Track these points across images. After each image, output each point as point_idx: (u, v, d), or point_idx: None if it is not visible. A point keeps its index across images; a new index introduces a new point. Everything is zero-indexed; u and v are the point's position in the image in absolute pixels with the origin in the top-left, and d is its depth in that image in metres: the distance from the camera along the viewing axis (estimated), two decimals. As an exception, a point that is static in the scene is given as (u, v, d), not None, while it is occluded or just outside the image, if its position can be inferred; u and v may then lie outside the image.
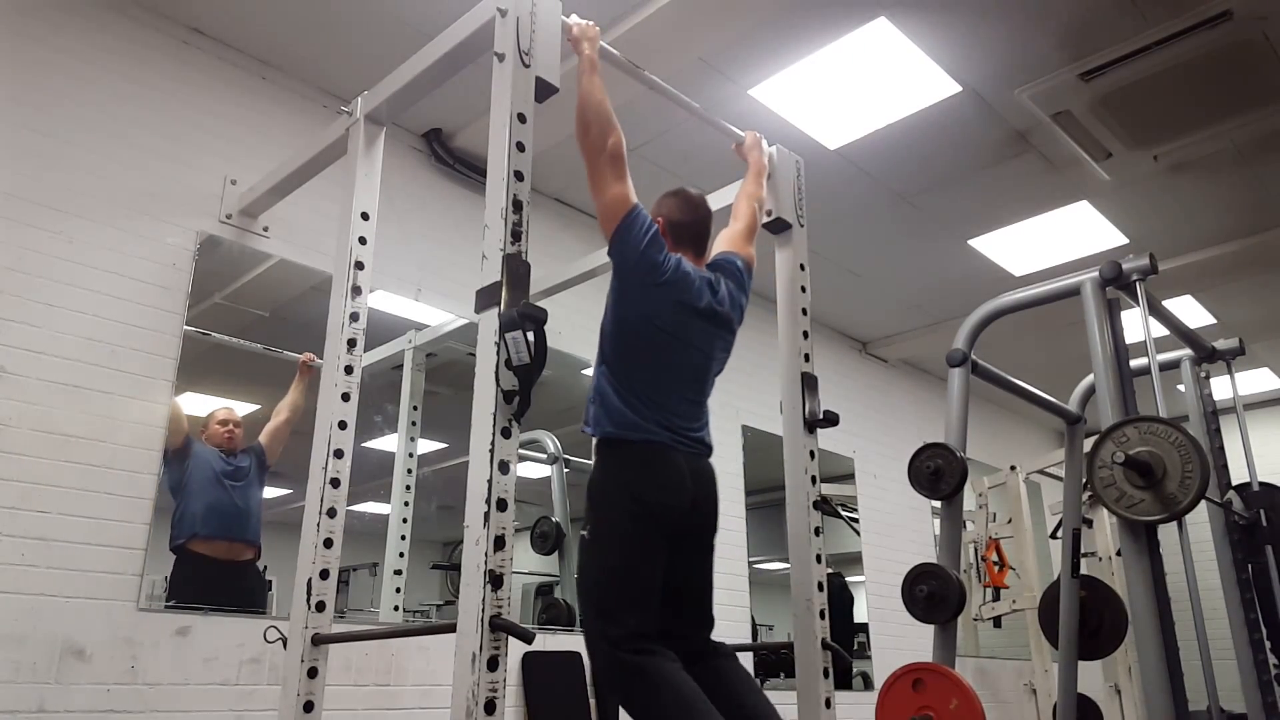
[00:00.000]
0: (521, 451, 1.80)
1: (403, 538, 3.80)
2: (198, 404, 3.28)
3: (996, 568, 6.15)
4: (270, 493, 3.41)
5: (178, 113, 3.34)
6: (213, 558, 3.16)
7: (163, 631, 2.86)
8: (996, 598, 6.09)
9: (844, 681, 5.26)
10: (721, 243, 2.53)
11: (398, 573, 3.76)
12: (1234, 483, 3.63)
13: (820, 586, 2.47)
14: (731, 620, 4.71)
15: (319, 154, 2.95)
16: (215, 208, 3.35)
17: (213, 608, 2.99)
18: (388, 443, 3.97)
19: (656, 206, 2.37)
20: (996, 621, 6.09)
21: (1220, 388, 3.91)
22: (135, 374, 3.00)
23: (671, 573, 2.13)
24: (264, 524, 3.34)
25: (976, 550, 6.26)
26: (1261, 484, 3.60)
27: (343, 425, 2.45)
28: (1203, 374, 3.75)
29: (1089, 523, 5.80)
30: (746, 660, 4.86)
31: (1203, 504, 2.50)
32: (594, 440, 2.21)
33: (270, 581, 3.30)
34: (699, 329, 2.24)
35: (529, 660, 3.78)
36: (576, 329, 4.25)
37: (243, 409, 3.41)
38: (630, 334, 2.18)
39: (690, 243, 2.35)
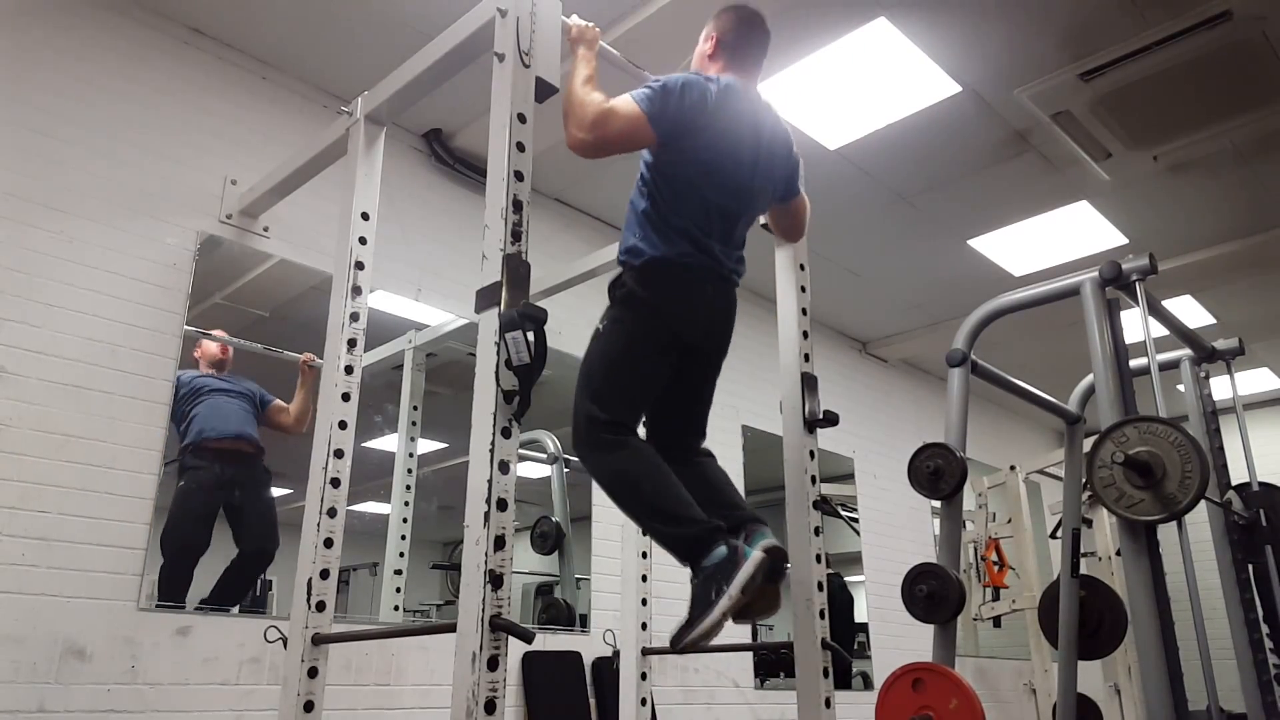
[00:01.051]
0: (521, 451, 1.80)
1: (403, 537, 3.80)
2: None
3: (996, 568, 6.16)
4: (271, 481, 3.42)
5: (178, 113, 3.34)
6: (223, 449, 3.27)
7: (163, 631, 2.86)
8: (996, 597, 6.09)
9: (844, 681, 5.26)
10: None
11: (398, 572, 3.76)
12: (1233, 483, 3.63)
13: (820, 586, 2.47)
14: (731, 620, 4.71)
15: (319, 154, 2.95)
16: (215, 208, 3.35)
17: (212, 608, 2.99)
18: (388, 443, 3.97)
19: (712, 23, 2.38)
20: (996, 621, 6.09)
21: (1220, 388, 3.90)
22: (135, 374, 3.00)
23: (676, 384, 2.22)
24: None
25: (976, 550, 6.26)
26: (1261, 484, 3.60)
27: (343, 425, 2.45)
28: (1202, 374, 3.75)
29: (1088, 523, 5.80)
30: (746, 660, 4.87)
31: (1202, 504, 2.50)
32: (630, 266, 2.20)
33: (271, 581, 3.31)
34: (744, 151, 2.23)
35: (529, 660, 3.78)
36: (576, 329, 4.23)
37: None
38: (672, 155, 2.17)
39: (743, 61, 2.34)
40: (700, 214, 2.18)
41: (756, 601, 1.97)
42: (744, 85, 2.30)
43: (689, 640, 1.92)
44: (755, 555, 1.93)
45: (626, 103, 2.10)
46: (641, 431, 2.23)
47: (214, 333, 3.33)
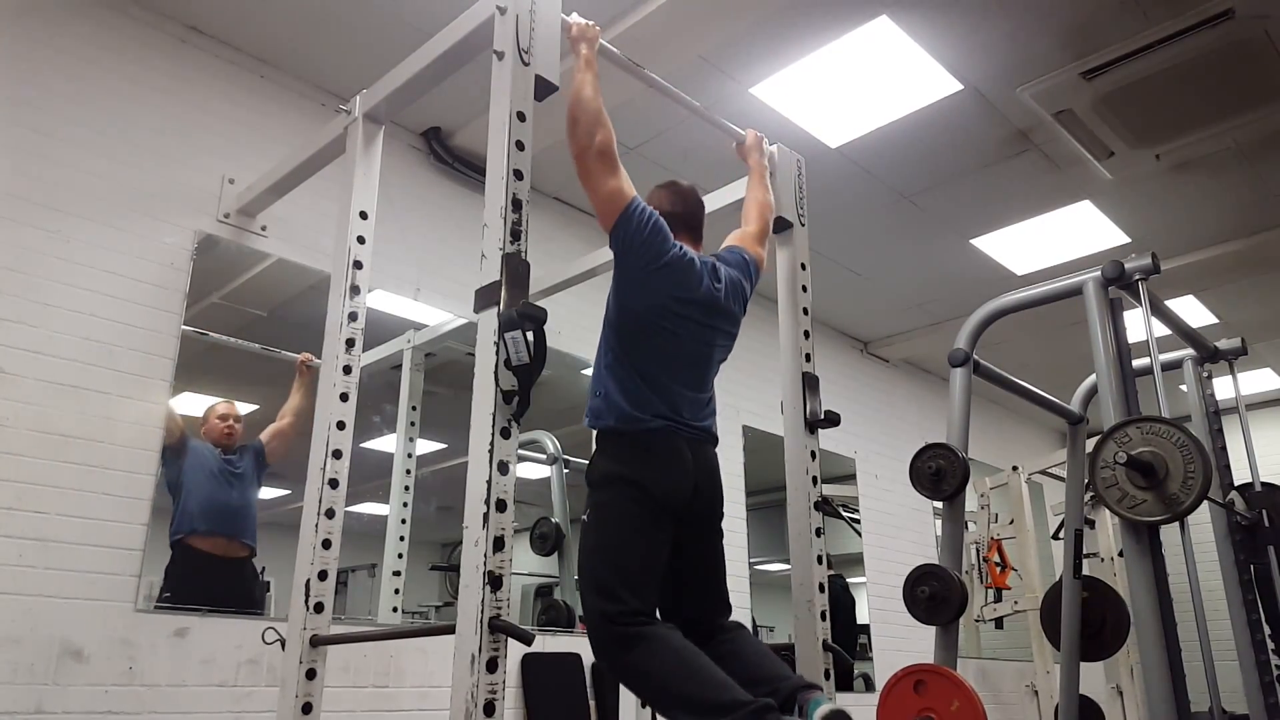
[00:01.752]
0: (521, 452, 1.80)
1: (401, 539, 3.79)
2: (196, 404, 3.27)
3: (998, 569, 6.14)
4: (268, 493, 3.40)
5: (176, 112, 3.33)
6: (209, 553, 3.15)
7: (160, 633, 2.85)
8: (998, 599, 6.08)
9: (845, 683, 5.24)
10: (732, 239, 2.53)
11: (396, 574, 3.75)
12: (1236, 483, 3.62)
13: (821, 588, 2.46)
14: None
15: (317, 153, 2.94)
16: (213, 207, 3.34)
17: (210, 608, 2.98)
18: (386, 443, 3.96)
19: (647, 200, 2.36)
20: (998, 622, 6.08)
21: (1222, 388, 3.89)
22: (133, 374, 2.99)
23: (679, 559, 2.14)
24: (263, 525, 3.33)
25: (978, 551, 6.24)
26: (1264, 484, 3.59)
27: (341, 425, 2.44)
28: (1205, 374, 3.74)
29: (1091, 523, 5.79)
30: (747, 661, 4.85)
31: (1205, 504, 2.49)
32: (596, 431, 2.20)
33: (268, 582, 3.29)
34: (701, 317, 2.23)
35: (528, 661, 3.77)
36: (576, 329, 4.23)
37: (242, 409, 3.40)
38: (632, 321, 2.17)
39: (686, 233, 2.34)
40: (667, 366, 2.17)
41: None
42: (695, 251, 2.31)
43: None
44: None
45: (626, 178, 2.14)
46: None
47: (218, 406, 3.26)
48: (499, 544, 1.67)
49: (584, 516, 2.13)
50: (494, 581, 1.65)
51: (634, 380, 2.14)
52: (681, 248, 2.20)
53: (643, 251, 2.12)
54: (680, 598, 2.17)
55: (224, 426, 3.27)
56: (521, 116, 1.94)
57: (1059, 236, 5.09)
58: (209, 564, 3.14)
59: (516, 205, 1.87)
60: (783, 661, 2.11)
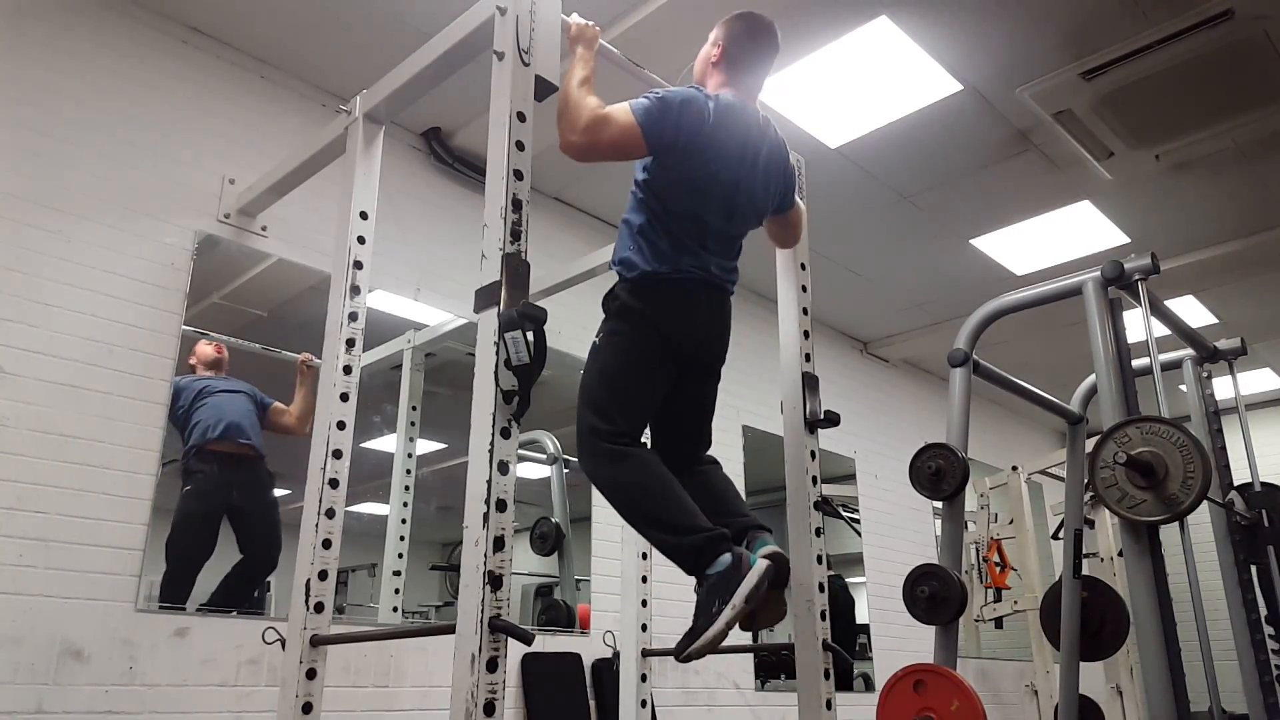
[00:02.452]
0: (521, 452, 1.80)
1: (402, 538, 3.79)
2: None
3: (998, 568, 6.15)
4: (274, 485, 3.41)
5: (176, 112, 3.33)
6: (227, 452, 3.27)
7: (161, 632, 2.85)
8: (998, 599, 6.08)
9: (845, 683, 5.24)
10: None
11: (396, 574, 3.75)
12: (1236, 483, 3.62)
13: (821, 587, 2.46)
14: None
15: (317, 153, 2.94)
16: (213, 207, 3.34)
17: (211, 609, 2.98)
18: (387, 443, 3.96)
19: (719, 30, 2.36)
20: (998, 622, 6.08)
21: (1222, 388, 3.89)
22: (133, 374, 2.99)
23: (676, 395, 2.22)
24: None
25: (978, 551, 6.25)
26: (1263, 484, 3.59)
27: (341, 425, 2.44)
28: (1204, 374, 3.74)
29: (1091, 523, 5.79)
30: (747, 662, 4.85)
31: (1204, 504, 2.49)
32: (625, 278, 2.20)
33: (269, 582, 3.29)
34: (741, 168, 2.22)
35: (528, 661, 3.77)
36: (576, 329, 4.23)
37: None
38: (667, 173, 2.17)
39: (746, 74, 2.32)
40: (695, 230, 2.18)
41: (761, 610, 1.95)
42: (743, 102, 2.29)
43: (693, 650, 1.90)
44: (759, 563, 1.91)
45: (622, 111, 2.09)
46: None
47: (210, 336, 3.31)
48: (499, 544, 1.67)
49: (595, 340, 2.18)
50: (494, 581, 1.65)
51: (663, 225, 2.16)
52: (718, 99, 2.18)
53: (675, 144, 2.12)
54: (669, 431, 2.28)
55: (213, 349, 3.31)
56: (521, 117, 1.94)
57: (1059, 236, 5.09)
58: (228, 461, 3.29)
59: (516, 205, 1.87)
60: (743, 501, 2.27)
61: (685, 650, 1.91)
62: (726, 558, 1.91)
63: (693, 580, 2.00)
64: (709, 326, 2.24)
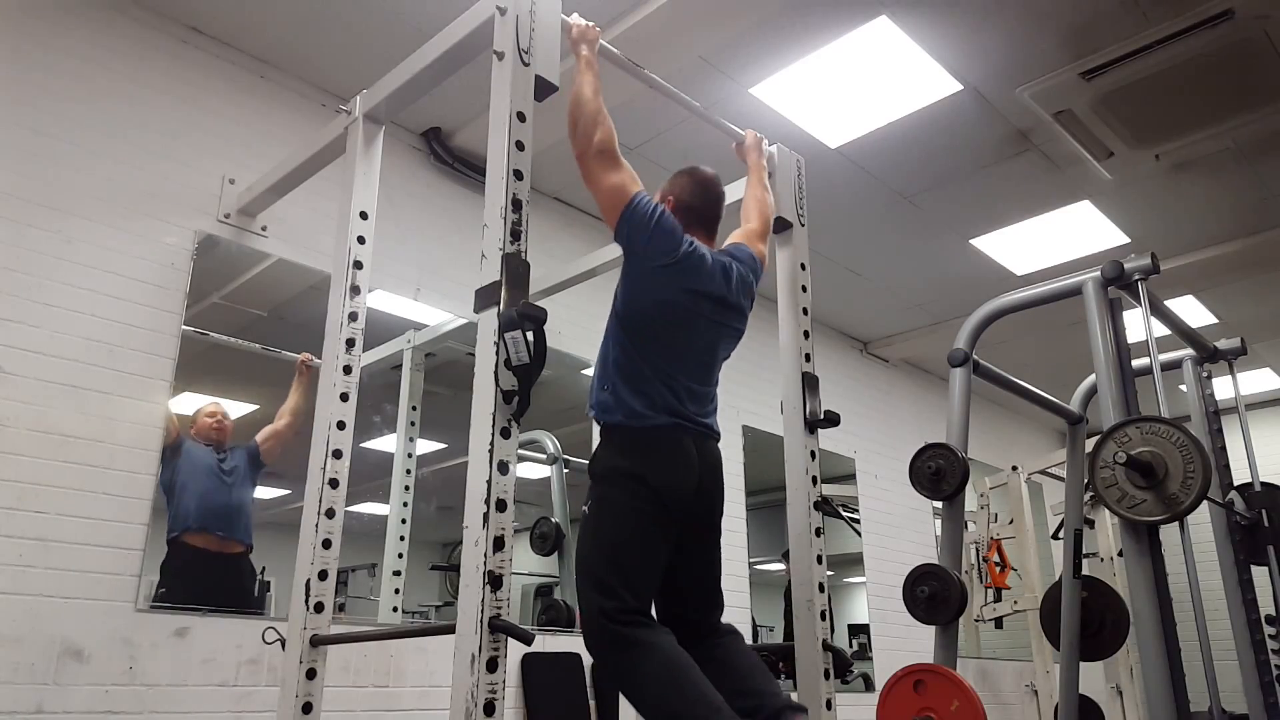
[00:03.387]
0: (521, 452, 1.80)
1: (402, 538, 3.79)
2: (196, 404, 3.26)
3: (998, 568, 6.14)
4: (268, 493, 3.40)
5: (176, 112, 3.33)
6: (204, 549, 3.14)
7: (161, 632, 2.85)
8: (998, 598, 6.08)
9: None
10: (735, 236, 2.52)
11: (396, 573, 3.75)
12: (1236, 483, 3.62)
13: (821, 587, 2.46)
14: (732, 621, 4.70)
15: (317, 153, 2.94)
16: (214, 207, 3.34)
17: (208, 607, 2.98)
18: (387, 443, 3.96)
19: (668, 186, 2.35)
20: (998, 622, 6.08)
21: (1222, 388, 3.90)
22: (133, 374, 2.99)
23: (678, 556, 2.12)
24: (262, 524, 3.32)
25: (978, 551, 6.25)
26: (1263, 484, 3.59)
27: (341, 425, 2.44)
28: (1204, 374, 3.74)
29: (1091, 523, 5.79)
30: (747, 661, 4.85)
31: (1204, 504, 2.49)
32: (601, 425, 2.19)
33: (269, 582, 3.29)
34: (711, 313, 2.22)
35: (528, 661, 3.77)
36: (576, 329, 4.24)
37: (241, 409, 3.41)
38: (640, 316, 2.16)
39: (701, 224, 2.32)
40: (672, 362, 2.16)
41: None
42: (707, 245, 2.29)
43: None
44: None
45: (631, 177, 2.13)
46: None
47: (206, 406, 3.25)
48: (499, 544, 1.67)
49: (584, 509, 2.11)
50: (494, 581, 1.65)
51: (641, 375, 2.12)
52: (692, 243, 2.18)
53: (650, 248, 2.11)
54: (676, 596, 2.17)
55: (212, 423, 3.27)
56: (521, 117, 1.94)
57: (1059, 236, 5.09)
58: (204, 560, 3.13)
59: (516, 205, 1.87)
60: (771, 676, 2.10)
61: None
62: None
63: None
64: (701, 474, 2.15)
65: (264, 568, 3.27)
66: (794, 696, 2.44)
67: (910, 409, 6.89)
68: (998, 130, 4.14)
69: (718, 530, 2.26)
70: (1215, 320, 6.13)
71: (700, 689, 1.86)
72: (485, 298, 1.81)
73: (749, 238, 2.50)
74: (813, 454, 2.60)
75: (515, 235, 1.85)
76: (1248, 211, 4.89)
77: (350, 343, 2.51)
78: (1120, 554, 5.42)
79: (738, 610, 4.85)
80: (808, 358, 2.68)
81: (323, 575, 2.32)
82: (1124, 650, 4.71)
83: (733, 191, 2.91)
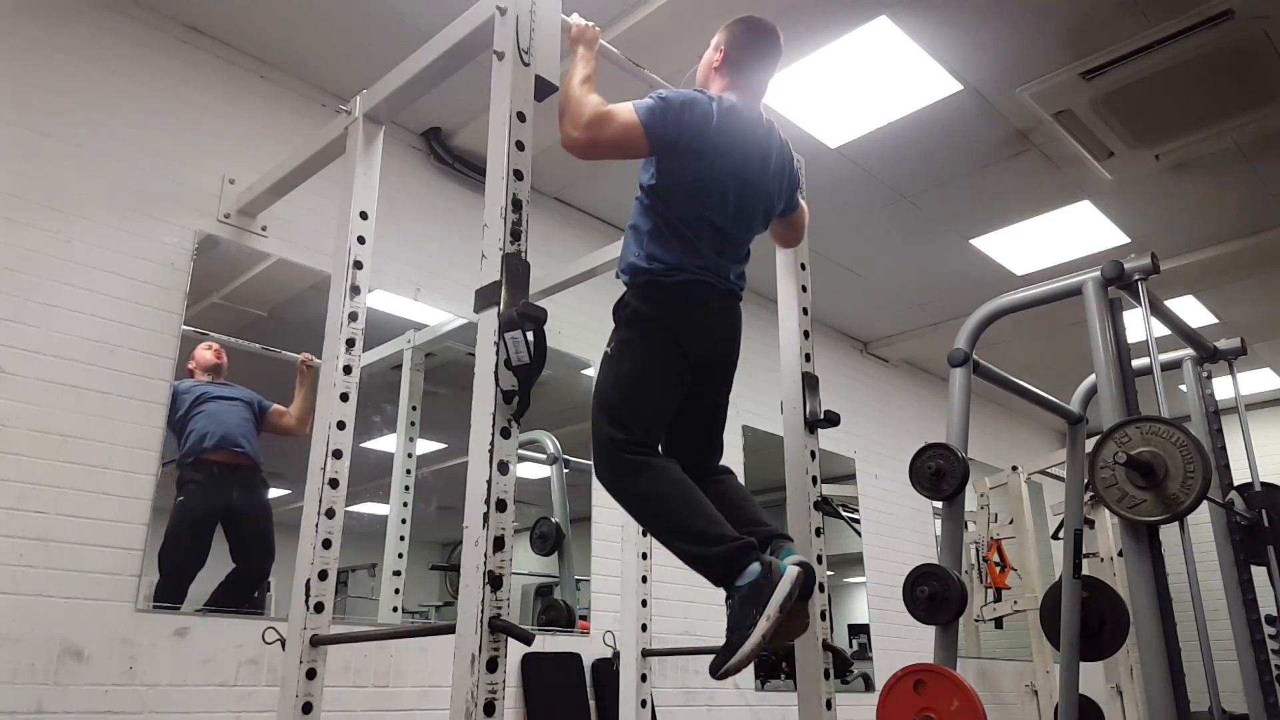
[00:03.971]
0: (521, 452, 1.80)
1: (402, 538, 3.79)
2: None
3: (998, 568, 6.14)
4: (268, 493, 3.40)
5: (176, 112, 3.33)
6: (221, 462, 3.26)
7: (161, 632, 2.85)
8: (998, 599, 6.08)
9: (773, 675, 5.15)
10: None
11: (397, 573, 3.75)
12: (1236, 483, 3.62)
13: (821, 587, 2.46)
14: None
15: (317, 153, 2.94)
16: (213, 207, 3.34)
17: (209, 609, 2.98)
18: (387, 443, 3.96)
19: (721, 35, 2.34)
20: (998, 622, 6.08)
21: (1222, 388, 3.89)
22: (133, 374, 2.99)
23: (689, 401, 2.19)
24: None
25: (978, 551, 6.25)
26: (1263, 484, 3.58)
27: (341, 425, 2.44)
28: (1204, 374, 3.74)
29: (1091, 523, 5.79)
30: (747, 661, 4.85)
31: (1204, 504, 2.49)
32: (631, 285, 2.19)
33: (270, 582, 3.29)
34: (747, 170, 2.21)
35: (528, 661, 3.77)
36: (576, 329, 4.24)
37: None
38: (673, 176, 2.16)
39: (749, 77, 2.30)
40: (702, 234, 2.17)
41: (790, 620, 1.87)
42: (748, 104, 2.27)
43: (731, 665, 1.84)
44: (790, 570, 1.85)
45: (626, 109, 2.09)
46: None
47: (210, 335, 3.31)
48: (499, 544, 1.67)
49: (607, 349, 2.16)
50: (494, 581, 1.65)
51: (672, 236, 2.14)
52: (728, 107, 2.17)
53: (680, 136, 2.10)
54: (683, 438, 2.25)
55: (211, 353, 3.29)
56: (521, 117, 1.94)
57: (1059, 236, 5.09)
58: (222, 471, 3.27)
59: (516, 205, 1.87)
60: (763, 512, 2.21)
61: (723, 666, 1.85)
62: (756, 567, 1.86)
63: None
64: (720, 330, 2.22)
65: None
66: (794, 699, 2.45)
67: (910, 409, 6.89)
68: (998, 130, 4.14)
69: (729, 383, 2.33)
70: (1215, 320, 6.13)
71: (703, 504, 1.99)
72: (485, 298, 1.81)
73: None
74: (813, 454, 2.60)
75: (515, 235, 1.85)
76: (1248, 211, 4.89)
77: (350, 343, 2.51)
78: (1120, 554, 5.42)
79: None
80: (808, 358, 2.68)
81: (323, 575, 2.32)
82: (1124, 650, 4.72)
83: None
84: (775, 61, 2.36)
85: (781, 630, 1.85)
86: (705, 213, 2.16)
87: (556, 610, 4.35)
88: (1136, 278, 2.90)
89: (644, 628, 3.54)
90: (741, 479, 5.32)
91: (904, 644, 5.57)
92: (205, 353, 3.29)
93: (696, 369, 2.18)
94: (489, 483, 1.69)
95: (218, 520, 3.23)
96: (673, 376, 2.13)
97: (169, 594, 2.95)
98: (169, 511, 3.03)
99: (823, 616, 2.44)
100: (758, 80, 2.34)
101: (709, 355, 2.20)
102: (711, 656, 1.88)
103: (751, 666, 4.82)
